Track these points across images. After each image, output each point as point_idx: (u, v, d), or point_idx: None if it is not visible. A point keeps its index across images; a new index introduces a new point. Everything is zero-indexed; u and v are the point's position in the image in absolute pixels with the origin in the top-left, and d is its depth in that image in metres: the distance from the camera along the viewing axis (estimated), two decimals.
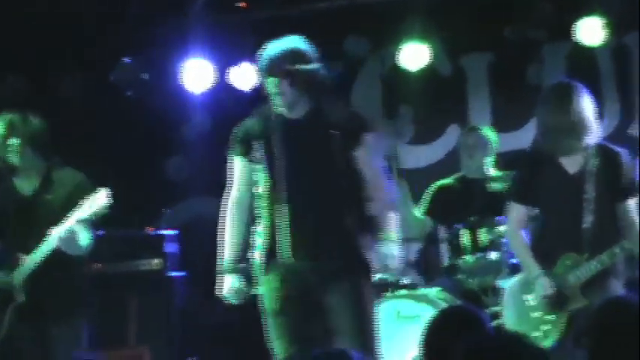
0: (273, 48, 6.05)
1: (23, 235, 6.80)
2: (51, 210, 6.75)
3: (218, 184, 7.65)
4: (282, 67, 6.00)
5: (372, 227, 6.05)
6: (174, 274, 8.68)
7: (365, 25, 9.56)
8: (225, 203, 6.23)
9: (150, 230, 8.76)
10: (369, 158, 6.08)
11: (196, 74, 9.06)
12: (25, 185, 6.91)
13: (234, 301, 6.17)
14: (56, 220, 6.68)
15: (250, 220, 6.18)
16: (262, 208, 6.09)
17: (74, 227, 6.61)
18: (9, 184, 6.93)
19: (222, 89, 9.05)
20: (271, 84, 6.02)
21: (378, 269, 6.03)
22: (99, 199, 6.57)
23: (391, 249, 6.01)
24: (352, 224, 6.02)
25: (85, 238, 6.74)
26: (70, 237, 6.64)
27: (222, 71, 9.02)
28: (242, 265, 6.14)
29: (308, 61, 6.07)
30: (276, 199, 6.03)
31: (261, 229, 6.12)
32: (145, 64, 9.36)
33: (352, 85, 9.93)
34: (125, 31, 9.13)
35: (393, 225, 6.10)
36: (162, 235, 8.72)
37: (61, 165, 6.97)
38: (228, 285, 6.15)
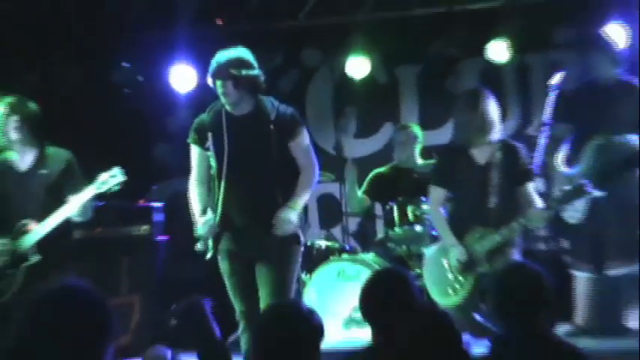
0: (221, 55, 6.05)
1: (21, 206, 6.62)
2: (45, 183, 6.61)
3: None
4: (227, 71, 5.96)
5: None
6: (159, 238, 8.61)
7: (318, 41, 9.52)
8: (189, 183, 6.24)
9: (141, 202, 8.68)
10: (300, 148, 6.04)
11: (181, 77, 9.03)
12: (21, 161, 6.71)
13: (206, 235, 6.09)
14: (50, 192, 6.58)
15: (208, 194, 6.16)
16: (214, 187, 6.05)
17: (89, 199, 6.50)
18: (6, 160, 6.73)
19: (202, 89, 8.93)
20: (219, 86, 5.99)
21: (277, 229, 5.90)
22: (115, 178, 6.47)
23: (289, 214, 5.91)
24: (282, 200, 5.97)
25: (92, 208, 6.65)
26: (87, 207, 6.56)
27: (202, 75, 8.90)
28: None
29: (249, 67, 6.01)
30: (221, 180, 6.01)
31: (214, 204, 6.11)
32: (139, 68, 9.30)
33: (307, 89, 9.84)
34: (124, 41, 9.02)
35: (301, 196, 6.02)
36: (150, 207, 8.64)
37: (51, 144, 6.77)
38: (202, 223, 6.10)
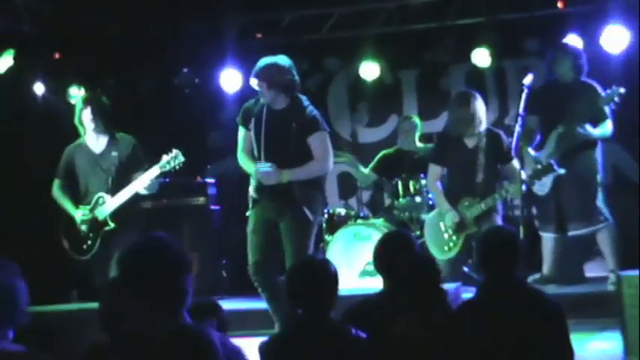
0: (261, 61, 5.98)
1: (96, 182, 6.56)
2: (116, 163, 6.54)
3: None
4: (263, 75, 5.91)
5: (315, 190, 6.00)
6: (213, 207, 8.64)
7: (338, 50, 9.50)
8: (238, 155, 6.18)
9: (198, 178, 8.70)
10: (315, 143, 5.94)
11: (229, 80, 8.95)
12: (95, 145, 6.62)
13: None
14: (119, 170, 6.51)
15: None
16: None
17: (156, 176, 6.44)
18: (83, 144, 6.66)
19: (246, 89, 8.95)
20: (257, 86, 5.95)
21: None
22: (177, 158, 6.41)
23: (272, 174, 5.85)
24: (297, 188, 5.89)
25: (158, 183, 6.59)
26: (154, 183, 6.49)
27: (246, 77, 8.89)
28: None
29: (283, 72, 5.92)
30: (256, 158, 5.96)
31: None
32: (197, 72, 9.28)
33: (328, 89, 9.77)
34: (185, 51, 9.02)
35: (296, 172, 5.89)
36: (206, 182, 8.68)
37: (119, 130, 6.68)
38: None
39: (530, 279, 7.08)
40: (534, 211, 7.47)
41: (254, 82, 5.98)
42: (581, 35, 7.93)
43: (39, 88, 8.26)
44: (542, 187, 7.01)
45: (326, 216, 7.91)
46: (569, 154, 7.00)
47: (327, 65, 9.69)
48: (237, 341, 3.21)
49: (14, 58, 8.09)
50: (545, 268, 7.29)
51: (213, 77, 9.07)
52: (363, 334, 3.70)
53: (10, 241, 7.41)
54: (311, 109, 5.99)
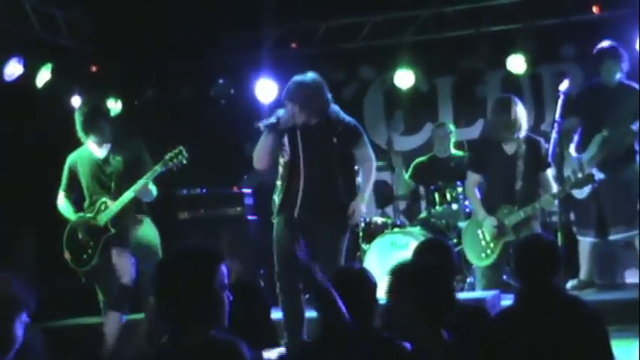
0: (293, 83, 5.87)
1: (100, 187, 6.48)
2: (120, 168, 6.45)
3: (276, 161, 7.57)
4: (295, 97, 5.84)
5: (355, 195, 5.98)
6: (250, 217, 8.66)
7: (373, 59, 9.50)
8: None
9: (235, 189, 8.74)
10: (362, 154, 5.98)
11: (265, 90, 8.95)
12: (98, 150, 6.52)
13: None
14: (124, 175, 6.41)
15: None
16: (282, 173, 5.98)
17: (148, 182, 6.29)
18: (85, 150, 6.57)
19: (281, 100, 8.99)
20: (290, 106, 5.85)
21: (352, 219, 5.89)
22: (181, 155, 6.30)
23: (360, 206, 5.88)
24: (342, 194, 5.89)
25: (154, 189, 6.43)
26: (148, 190, 6.36)
27: (281, 87, 8.94)
28: None
29: (316, 94, 5.83)
30: (292, 171, 5.89)
31: (279, 184, 6.01)
32: (232, 83, 9.33)
33: (364, 97, 9.80)
34: (221, 61, 9.08)
35: (366, 191, 5.99)
36: (243, 192, 8.70)
37: (121, 134, 6.61)
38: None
39: (568, 285, 7.02)
40: (572, 216, 7.41)
41: (286, 103, 5.90)
42: (617, 40, 7.86)
43: (76, 101, 8.35)
44: (582, 191, 6.97)
45: (363, 225, 7.91)
46: (613, 157, 6.96)
47: (362, 74, 9.70)
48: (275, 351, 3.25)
49: (52, 72, 8.19)
50: (583, 274, 7.23)
51: (249, 88, 9.11)
52: (406, 344, 3.69)
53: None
54: (346, 119, 5.96)
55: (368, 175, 6.02)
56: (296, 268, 5.80)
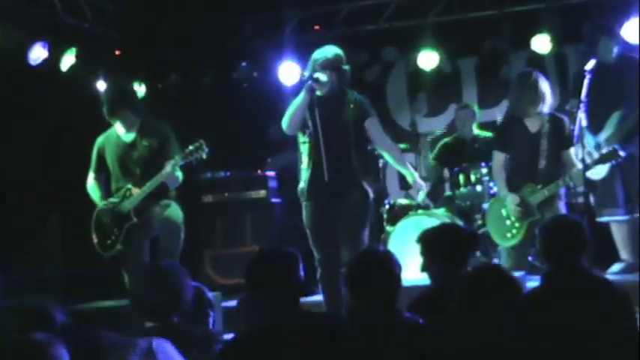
0: (327, 51, 5.97)
1: (126, 172, 6.45)
2: (148, 152, 6.42)
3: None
4: (334, 64, 5.92)
5: (371, 168, 6.18)
6: (274, 200, 8.66)
7: (396, 40, 9.46)
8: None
9: (259, 172, 8.73)
10: (373, 125, 6.13)
11: (288, 72, 8.89)
12: (126, 134, 6.49)
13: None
14: (151, 160, 6.38)
15: None
16: (307, 151, 6.02)
17: (176, 167, 6.27)
18: (113, 133, 6.54)
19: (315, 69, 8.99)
20: (324, 75, 5.92)
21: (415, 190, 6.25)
22: (201, 149, 6.24)
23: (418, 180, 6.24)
24: (357, 165, 5.99)
25: (180, 175, 6.40)
26: (174, 177, 6.33)
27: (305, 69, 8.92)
28: None
29: (344, 62, 6.03)
30: (314, 147, 5.96)
31: (304, 166, 6.06)
32: (255, 66, 9.31)
33: (388, 79, 9.75)
34: (243, 44, 9.06)
35: (409, 165, 6.34)
36: (267, 175, 8.69)
37: (149, 118, 6.58)
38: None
39: (615, 268, 6.87)
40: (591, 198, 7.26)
41: (321, 71, 5.95)
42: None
43: (101, 85, 8.36)
44: (600, 171, 6.84)
45: (387, 207, 7.88)
46: (632, 134, 6.84)
47: (385, 55, 9.65)
48: None
49: (76, 56, 8.20)
50: (625, 254, 6.98)
51: (272, 70, 9.07)
52: (430, 325, 3.68)
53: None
54: (359, 94, 6.14)
55: (396, 150, 6.33)
56: (334, 249, 5.88)
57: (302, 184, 6.10)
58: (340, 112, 6.00)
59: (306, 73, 6.05)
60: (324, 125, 5.97)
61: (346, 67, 6.05)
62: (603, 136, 6.92)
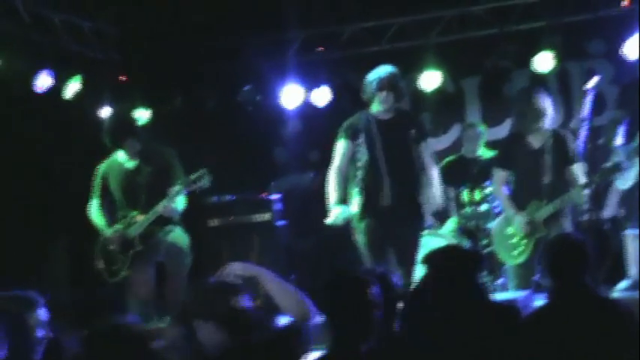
0: (382, 71, 5.98)
1: (131, 199, 6.50)
2: (151, 178, 6.46)
3: (306, 166, 7.51)
4: (393, 84, 5.94)
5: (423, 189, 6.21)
6: (279, 223, 8.65)
7: (398, 61, 9.37)
8: (329, 171, 6.20)
9: (264, 195, 8.73)
10: (427, 152, 6.28)
11: (291, 95, 8.87)
12: (128, 160, 6.54)
13: (337, 224, 6.10)
14: (155, 186, 6.41)
15: (345, 181, 6.09)
16: (362, 176, 6.02)
17: (173, 199, 6.29)
18: (116, 160, 6.60)
19: (307, 105, 8.98)
20: (384, 95, 5.94)
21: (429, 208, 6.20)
22: (203, 179, 6.28)
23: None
24: (416, 186, 6.13)
25: (181, 203, 6.42)
26: (172, 209, 6.37)
27: (308, 92, 8.92)
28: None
29: (399, 79, 6.15)
30: (374, 170, 5.95)
31: (357, 190, 6.06)
32: (258, 89, 9.31)
33: None
34: (247, 67, 9.07)
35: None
36: (272, 198, 8.68)
37: (152, 143, 6.62)
38: (335, 214, 6.11)
39: (621, 286, 6.84)
40: (621, 209, 7.16)
41: (379, 92, 5.97)
42: None
43: (106, 112, 8.39)
44: (627, 180, 6.80)
45: None
46: None
47: None
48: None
49: (82, 82, 8.23)
50: (635, 269, 6.86)
51: (275, 93, 9.09)
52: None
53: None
54: (417, 114, 6.20)
55: (436, 171, 6.35)
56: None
57: (357, 209, 6.11)
58: (401, 137, 6.04)
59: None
60: (386, 151, 6.04)
61: (401, 84, 6.10)
62: (630, 147, 6.90)
